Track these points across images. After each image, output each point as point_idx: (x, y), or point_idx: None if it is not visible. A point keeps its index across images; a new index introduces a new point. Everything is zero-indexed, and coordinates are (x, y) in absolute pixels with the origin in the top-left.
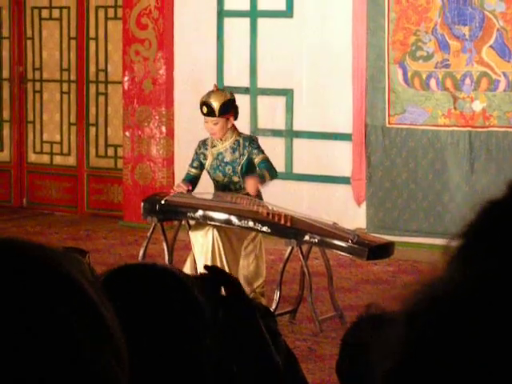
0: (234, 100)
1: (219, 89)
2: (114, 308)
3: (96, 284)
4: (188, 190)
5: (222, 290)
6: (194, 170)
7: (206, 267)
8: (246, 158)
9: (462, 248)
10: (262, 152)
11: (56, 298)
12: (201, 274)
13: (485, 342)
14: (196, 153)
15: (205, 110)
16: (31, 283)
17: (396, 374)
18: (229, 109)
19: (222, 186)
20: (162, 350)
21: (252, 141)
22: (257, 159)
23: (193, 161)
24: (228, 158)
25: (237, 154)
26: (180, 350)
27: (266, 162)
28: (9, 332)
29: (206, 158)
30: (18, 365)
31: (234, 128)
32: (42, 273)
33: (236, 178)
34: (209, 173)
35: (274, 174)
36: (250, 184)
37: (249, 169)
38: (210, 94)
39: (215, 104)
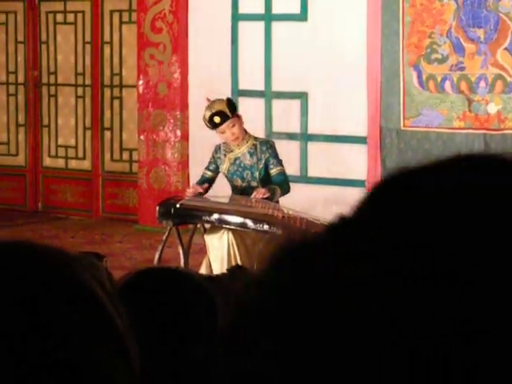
0: (231, 99)
1: (212, 100)
2: (130, 314)
3: (110, 290)
4: (205, 189)
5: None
6: (209, 173)
7: (229, 268)
8: (263, 163)
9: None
10: (280, 163)
11: (65, 302)
12: (222, 273)
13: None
14: (213, 156)
15: (217, 119)
16: (39, 287)
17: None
18: (235, 106)
19: (240, 191)
20: (177, 353)
21: (270, 146)
22: (273, 171)
23: (209, 163)
24: (246, 162)
25: (254, 158)
26: (195, 354)
27: (281, 175)
28: (15, 336)
29: (222, 163)
30: (23, 367)
31: (247, 132)
32: (51, 277)
33: (254, 183)
34: (226, 177)
35: (287, 188)
36: (258, 193)
37: (267, 175)
38: (209, 106)
39: (222, 107)
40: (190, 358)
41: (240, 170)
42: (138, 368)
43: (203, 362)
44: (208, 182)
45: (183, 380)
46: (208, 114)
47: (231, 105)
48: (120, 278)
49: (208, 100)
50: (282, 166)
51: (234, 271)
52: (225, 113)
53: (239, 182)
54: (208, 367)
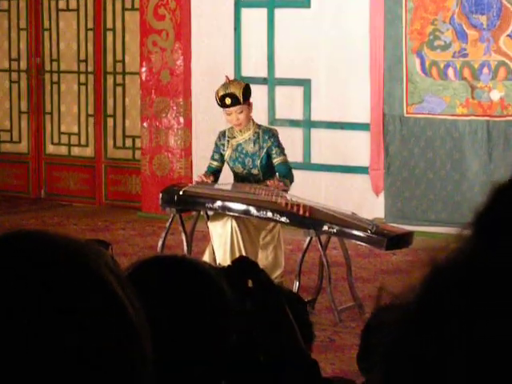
0: (249, 85)
1: (231, 79)
2: (141, 301)
3: (122, 278)
4: (211, 181)
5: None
6: (215, 163)
7: (234, 260)
8: (265, 151)
9: (475, 233)
10: (282, 152)
11: (81, 293)
12: (228, 265)
13: (498, 311)
14: (216, 145)
15: (228, 101)
16: (57, 277)
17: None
18: (249, 94)
19: (241, 178)
20: (188, 343)
21: (272, 135)
22: (276, 160)
23: (213, 153)
24: (247, 149)
25: (256, 146)
26: (206, 344)
27: (285, 165)
28: (35, 324)
29: (225, 150)
30: (36, 357)
31: (252, 119)
32: (68, 267)
33: (255, 171)
34: (228, 164)
35: (292, 178)
36: (272, 184)
37: (268, 163)
38: (226, 85)
39: (237, 92)
40: (201, 348)
41: (242, 156)
42: (150, 361)
43: (215, 353)
44: (215, 172)
45: (194, 369)
46: (221, 93)
47: (247, 91)
48: (127, 266)
49: (227, 78)
50: (284, 155)
51: (239, 263)
52: (237, 97)
53: (240, 169)
54: (220, 357)
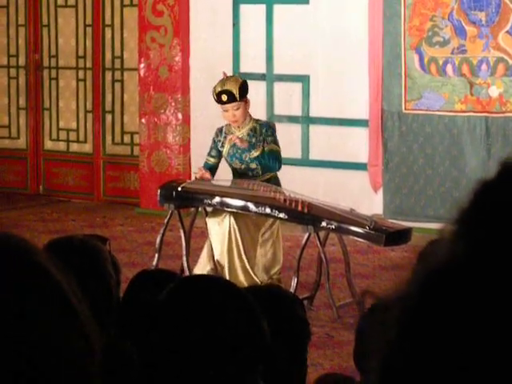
0: (246, 82)
1: (228, 76)
2: (176, 321)
3: (64, 270)
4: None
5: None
6: (212, 159)
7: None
8: (262, 145)
9: (455, 232)
10: (274, 141)
11: (23, 283)
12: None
13: (477, 313)
14: (214, 141)
15: (224, 97)
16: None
17: (392, 353)
18: (246, 91)
19: (239, 173)
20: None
21: (269, 127)
22: (267, 147)
23: (211, 149)
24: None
25: (254, 140)
26: (238, 367)
27: (275, 153)
28: None
29: (223, 146)
30: None
31: (249, 115)
32: (9, 259)
33: (254, 165)
34: (226, 160)
35: (274, 166)
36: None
37: None
38: (223, 81)
39: (234, 88)
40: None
41: (239, 152)
42: (98, 352)
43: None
44: (211, 168)
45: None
46: (218, 89)
47: (244, 88)
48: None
49: (224, 74)
50: (278, 145)
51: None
52: (234, 94)
53: (238, 164)
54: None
